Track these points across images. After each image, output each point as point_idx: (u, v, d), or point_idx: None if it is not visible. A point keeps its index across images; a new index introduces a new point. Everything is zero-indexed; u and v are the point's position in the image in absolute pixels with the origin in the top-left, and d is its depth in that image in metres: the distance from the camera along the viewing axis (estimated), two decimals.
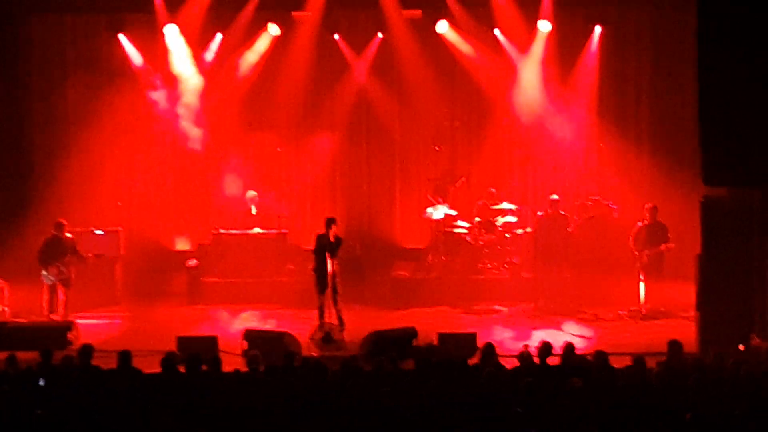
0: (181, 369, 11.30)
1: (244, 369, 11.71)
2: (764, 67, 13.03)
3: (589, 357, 11.47)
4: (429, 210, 19.01)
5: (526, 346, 12.39)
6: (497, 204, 19.07)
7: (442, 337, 14.05)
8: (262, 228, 19.06)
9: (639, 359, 11.03)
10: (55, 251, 16.43)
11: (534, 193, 20.31)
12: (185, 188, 20.46)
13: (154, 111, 20.00)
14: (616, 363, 11.30)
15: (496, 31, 19.72)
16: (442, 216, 18.80)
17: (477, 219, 18.86)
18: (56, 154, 20.10)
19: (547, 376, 10.62)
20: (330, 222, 15.37)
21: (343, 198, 20.87)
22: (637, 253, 16.75)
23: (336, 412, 9.72)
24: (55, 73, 20.19)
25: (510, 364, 11.57)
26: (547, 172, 20.21)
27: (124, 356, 11.51)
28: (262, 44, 20.03)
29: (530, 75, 19.94)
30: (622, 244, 17.33)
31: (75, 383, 10.89)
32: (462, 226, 18.78)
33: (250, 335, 14.45)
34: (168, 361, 11.30)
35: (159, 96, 19.98)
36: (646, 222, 16.87)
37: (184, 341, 14.10)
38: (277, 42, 20.06)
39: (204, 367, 11.25)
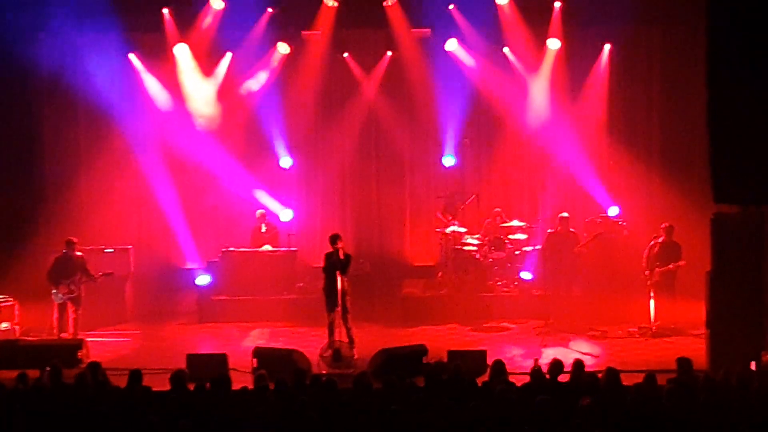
0: (191, 387, 11.30)
1: (253, 387, 11.69)
2: None
3: (599, 374, 11.42)
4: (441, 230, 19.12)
5: (536, 360, 12.35)
6: (507, 221, 19.08)
7: (452, 354, 14.01)
8: (271, 246, 19.08)
9: (649, 377, 10.99)
10: (65, 270, 16.44)
11: (544, 210, 20.29)
12: (195, 206, 20.48)
13: (165, 129, 20.07)
14: (627, 380, 11.26)
15: (506, 50, 19.77)
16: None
17: (486, 238, 18.87)
18: (67, 172, 20.17)
19: (558, 394, 10.58)
20: (335, 238, 15.30)
21: (352, 216, 20.90)
22: (648, 271, 16.73)
23: (346, 430, 9.71)
24: (65, 93, 20.23)
25: (520, 381, 11.55)
26: (557, 190, 20.20)
27: (135, 375, 11.51)
28: (271, 63, 20.10)
29: (540, 93, 19.98)
30: (632, 261, 17.34)
31: (85, 401, 10.89)
32: (472, 244, 18.78)
33: (260, 353, 14.46)
34: (176, 378, 11.30)
35: (169, 114, 20.06)
36: (660, 240, 16.84)
37: (193, 359, 14.11)
38: (286, 61, 20.13)
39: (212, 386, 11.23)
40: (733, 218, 13.92)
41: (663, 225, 16.99)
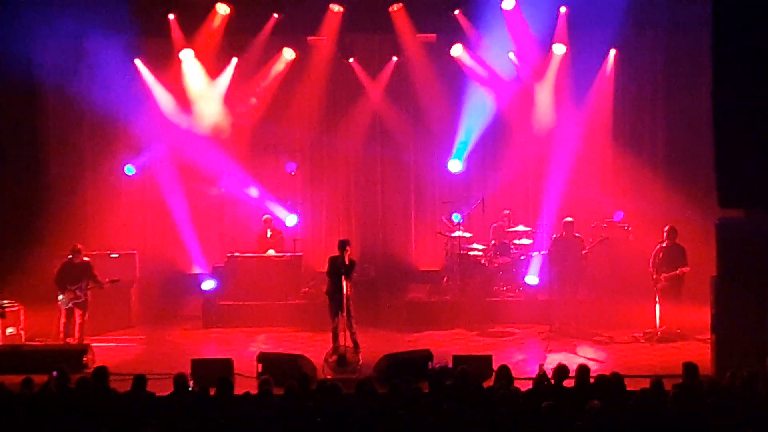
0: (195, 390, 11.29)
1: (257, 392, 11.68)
2: None
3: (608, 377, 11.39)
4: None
5: (541, 366, 12.34)
6: (512, 226, 19.07)
7: (457, 359, 14.01)
8: (276, 251, 19.08)
9: (655, 382, 10.96)
10: (72, 275, 16.44)
11: (549, 215, 20.24)
12: (200, 211, 20.49)
13: (170, 134, 20.06)
14: (632, 385, 11.25)
15: (511, 55, 19.75)
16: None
17: (492, 242, 18.87)
18: (73, 178, 20.20)
19: (563, 399, 10.56)
20: (344, 245, 15.28)
21: (357, 220, 20.91)
22: (654, 275, 16.70)
23: None
24: (71, 98, 20.23)
25: (525, 386, 11.53)
26: (562, 195, 20.17)
27: (139, 381, 11.50)
28: (277, 68, 20.12)
29: (545, 98, 19.97)
30: (637, 266, 17.31)
31: (90, 406, 10.89)
32: (477, 249, 18.76)
33: (265, 358, 14.46)
34: (178, 383, 11.30)
35: (175, 120, 20.07)
36: (665, 244, 16.81)
37: (198, 364, 14.09)
38: (292, 66, 20.14)
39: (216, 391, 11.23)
40: (738, 223, 13.89)
41: (665, 228, 16.95)
